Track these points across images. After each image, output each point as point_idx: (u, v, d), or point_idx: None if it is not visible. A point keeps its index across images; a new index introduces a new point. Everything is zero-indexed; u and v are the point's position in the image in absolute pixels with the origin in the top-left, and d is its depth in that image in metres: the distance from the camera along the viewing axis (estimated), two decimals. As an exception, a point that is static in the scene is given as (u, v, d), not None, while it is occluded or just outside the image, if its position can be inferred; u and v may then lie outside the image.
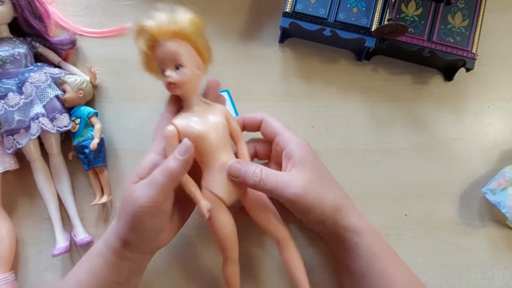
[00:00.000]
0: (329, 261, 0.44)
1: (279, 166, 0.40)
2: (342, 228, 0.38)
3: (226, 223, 0.37)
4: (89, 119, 0.45)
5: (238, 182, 0.37)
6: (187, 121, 0.36)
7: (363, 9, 0.45)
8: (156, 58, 0.37)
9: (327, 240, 0.42)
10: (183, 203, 0.39)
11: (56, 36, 0.49)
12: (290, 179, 0.36)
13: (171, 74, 0.36)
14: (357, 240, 0.37)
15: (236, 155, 0.39)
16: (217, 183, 0.37)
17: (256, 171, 0.36)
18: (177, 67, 0.36)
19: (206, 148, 0.36)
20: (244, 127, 0.42)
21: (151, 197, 0.33)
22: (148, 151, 0.37)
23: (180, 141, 0.35)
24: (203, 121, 0.37)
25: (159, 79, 0.38)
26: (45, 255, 0.46)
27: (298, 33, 0.49)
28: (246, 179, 0.36)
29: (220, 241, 0.37)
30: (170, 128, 0.36)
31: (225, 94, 0.48)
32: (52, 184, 0.45)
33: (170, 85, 0.36)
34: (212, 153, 0.37)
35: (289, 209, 0.38)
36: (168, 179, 0.34)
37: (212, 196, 0.36)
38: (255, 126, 0.41)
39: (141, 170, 0.36)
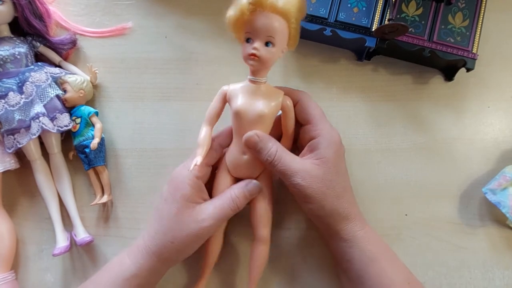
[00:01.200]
0: (329, 261, 0.44)
1: (298, 151, 0.40)
2: (337, 232, 0.38)
3: (222, 185, 0.40)
4: (89, 118, 0.45)
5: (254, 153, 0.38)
6: (238, 92, 0.38)
7: (364, 9, 0.45)
8: (249, 24, 0.35)
9: (325, 239, 0.42)
10: None
11: (57, 35, 0.49)
12: (301, 169, 0.36)
13: (260, 47, 0.35)
14: (351, 245, 0.37)
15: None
16: (232, 158, 0.39)
17: (271, 150, 0.37)
18: (267, 43, 0.35)
19: (239, 125, 0.38)
20: None
21: (218, 225, 0.38)
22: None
23: (225, 102, 0.39)
24: (251, 102, 0.37)
25: (238, 42, 0.38)
26: (45, 254, 0.46)
27: (298, 33, 0.49)
28: (260, 154, 0.37)
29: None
30: (224, 88, 0.39)
31: None
32: (53, 184, 0.45)
33: (253, 57, 0.35)
34: (242, 133, 0.38)
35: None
36: (234, 213, 0.38)
37: (225, 166, 0.40)
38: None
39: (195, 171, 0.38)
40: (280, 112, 0.40)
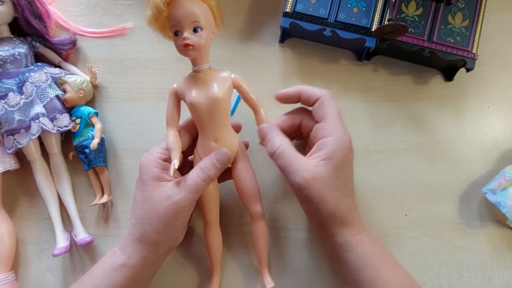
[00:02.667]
0: (328, 262, 0.44)
1: (309, 149, 0.39)
2: (332, 235, 0.37)
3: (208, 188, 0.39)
4: (89, 119, 0.45)
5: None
6: (187, 86, 0.37)
7: (364, 9, 0.45)
8: (172, 18, 0.35)
9: (320, 240, 0.41)
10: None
11: (57, 36, 0.49)
12: (302, 168, 0.35)
13: (190, 36, 0.35)
14: (345, 249, 0.36)
15: (258, 121, 0.40)
16: (204, 149, 0.39)
17: (275, 143, 0.37)
18: (195, 29, 0.35)
19: (198, 116, 0.38)
20: (300, 99, 0.40)
21: (191, 199, 0.36)
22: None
23: (179, 99, 0.39)
24: (202, 90, 0.37)
25: (166, 39, 0.38)
26: (45, 255, 0.46)
27: (298, 33, 0.49)
28: (267, 145, 0.38)
29: (200, 203, 0.40)
30: (173, 86, 0.39)
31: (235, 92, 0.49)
32: (53, 184, 0.45)
33: (187, 47, 0.35)
34: (204, 123, 0.38)
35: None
36: (207, 184, 0.37)
37: (198, 159, 0.39)
38: (310, 102, 0.40)
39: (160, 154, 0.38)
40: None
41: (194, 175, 0.37)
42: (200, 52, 0.36)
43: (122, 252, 0.37)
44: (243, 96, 0.39)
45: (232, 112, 0.48)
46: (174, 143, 0.38)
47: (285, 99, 0.41)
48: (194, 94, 0.37)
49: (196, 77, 0.37)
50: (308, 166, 0.36)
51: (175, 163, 0.36)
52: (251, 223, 0.41)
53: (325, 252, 0.42)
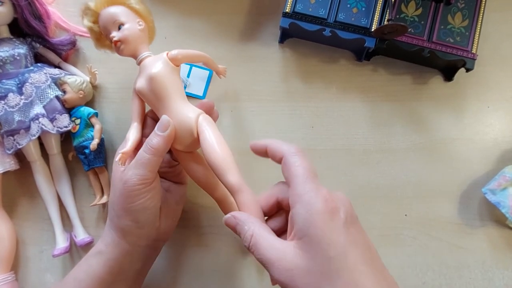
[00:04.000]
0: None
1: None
2: None
3: (194, 168, 0.38)
4: (89, 119, 0.45)
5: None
6: (136, 80, 0.39)
7: (363, 9, 0.45)
8: (102, 29, 0.40)
9: None
10: (176, 192, 0.41)
11: (56, 36, 0.49)
12: (280, 258, 0.27)
13: (115, 33, 0.38)
14: None
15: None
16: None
17: (247, 235, 0.30)
18: (119, 27, 0.39)
19: (147, 100, 0.39)
20: (267, 154, 0.34)
21: (140, 175, 0.35)
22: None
23: (138, 95, 0.39)
24: (143, 75, 0.38)
25: (112, 51, 0.41)
26: (45, 255, 0.46)
27: (298, 33, 0.49)
28: (241, 236, 0.31)
29: (198, 184, 0.39)
30: (132, 88, 0.40)
31: (205, 73, 0.49)
32: (52, 185, 0.45)
33: (116, 44, 0.38)
34: (153, 105, 0.38)
35: None
36: (154, 156, 0.35)
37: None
38: (276, 160, 0.33)
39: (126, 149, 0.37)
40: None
41: (140, 151, 0.36)
42: (129, 44, 0.39)
43: (101, 240, 0.38)
44: (191, 59, 0.42)
45: (204, 93, 0.48)
46: (130, 133, 0.38)
47: (256, 152, 0.35)
48: (138, 84, 0.38)
49: (140, 68, 0.39)
50: (285, 255, 0.27)
51: (126, 148, 0.36)
52: (234, 199, 0.34)
53: None
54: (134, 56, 0.40)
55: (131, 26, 0.39)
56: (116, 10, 0.39)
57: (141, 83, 0.38)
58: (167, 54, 0.38)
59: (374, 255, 0.28)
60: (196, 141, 0.36)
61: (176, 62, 0.38)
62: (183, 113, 0.36)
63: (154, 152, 0.35)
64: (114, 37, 0.38)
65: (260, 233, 0.29)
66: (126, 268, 0.38)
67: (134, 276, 0.38)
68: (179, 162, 0.40)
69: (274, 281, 0.28)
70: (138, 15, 0.40)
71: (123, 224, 0.36)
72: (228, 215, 0.32)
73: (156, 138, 0.35)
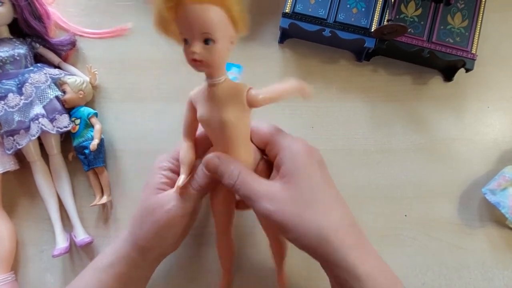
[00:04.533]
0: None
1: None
2: (334, 266, 0.30)
3: (219, 199, 0.36)
4: (89, 119, 0.45)
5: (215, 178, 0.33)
6: (199, 99, 0.33)
7: (363, 9, 0.45)
8: (178, 24, 0.28)
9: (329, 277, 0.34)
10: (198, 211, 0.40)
11: (56, 37, 0.49)
12: (267, 192, 0.31)
13: (199, 50, 0.28)
14: (354, 285, 0.29)
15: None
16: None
17: (233, 172, 0.32)
18: (207, 41, 0.28)
19: (209, 133, 0.34)
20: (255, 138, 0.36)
21: (184, 208, 0.35)
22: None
23: (194, 109, 0.34)
24: (212, 108, 0.31)
25: (177, 43, 0.31)
26: (45, 255, 0.46)
27: (297, 33, 0.49)
28: (222, 179, 0.33)
29: (213, 214, 0.38)
30: (190, 95, 0.34)
31: (235, 70, 0.44)
32: (52, 185, 0.45)
33: (195, 63, 0.29)
34: (214, 140, 0.34)
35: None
36: (199, 193, 0.35)
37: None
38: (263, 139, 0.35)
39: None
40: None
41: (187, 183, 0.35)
42: (211, 68, 0.30)
43: (112, 251, 0.37)
44: (276, 100, 0.32)
45: None
46: (185, 156, 0.34)
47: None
48: (202, 111, 0.32)
49: (208, 91, 0.32)
50: (273, 188, 0.31)
51: (182, 178, 0.33)
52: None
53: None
54: (207, 75, 0.31)
55: (222, 45, 0.29)
56: (213, 17, 0.27)
57: (206, 113, 0.32)
58: (247, 91, 0.31)
59: (341, 197, 0.33)
60: None
61: (254, 104, 0.31)
62: (245, 159, 0.34)
63: (201, 190, 0.35)
64: (195, 53, 0.28)
65: (246, 171, 0.32)
66: (135, 279, 0.38)
67: (141, 285, 0.39)
68: (211, 194, 0.38)
69: (258, 213, 0.32)
70: (234, 26, 0.30)
71: (149, 246, 0.36)
72: (211, 155, 0.33)
73: (204, 178, 0.35)
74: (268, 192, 0.31)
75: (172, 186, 0.35)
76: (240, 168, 0.32)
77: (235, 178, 0.32)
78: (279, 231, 0.33)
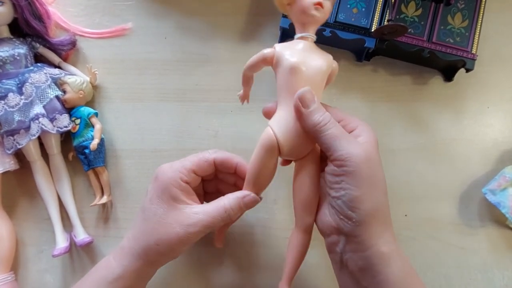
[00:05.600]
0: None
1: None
2: (373, 242, 0.30)
3: (266, 163, 0.34)
4: (89, 119, 0.45)
5: (300, 119, 0.33)
6: (288, 49, 0.35)
7: (363, 9, 0.45)
8: None
9: (338, 257, 0.33)
10: None
11: (56, 36, 0.49)
12: (357, 142, 0.32)
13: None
14: (387, 262, 0.30)
15: None
16: (283, 125, 0.34)
17: (327, 113, 0.33)
18: None
19: (292, 84, 0.34)
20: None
21: (204, 232, 0.34)
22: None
23: (265, 63, 0.36)
24: (307, 57, 0.34)
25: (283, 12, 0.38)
26: (45, 255, 0.46)
27: (298, 33, 0.49)
28: (313, 115, 0.32)
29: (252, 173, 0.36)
30: (267, 51, 0.35)
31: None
32: (52, 185, 0.45)
33: (318, 6, 0.34)
34: (295, 92, 0.33)
35: (328, 187, 0.33)
36: (226, 224, 0.36)
37: (270, 133, 0.34)
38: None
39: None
40: None
41: (216, 213, 0.34)
42: (324, 18, 0.35)
43: (117, 264, 0.35)
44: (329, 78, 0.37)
45: None
46: (247, 79, 0.38)
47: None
48: (298, 58, 0.34)
49: (301, 44, 0.35)
50: (360, 142, 0.32)
51: (242, 91, 0.38)
52: (295, 232, 0.36)
53: (341, 277, 0.34)
54: (305, 28, 0.36)
55: (331, 7, 0.36)
56: None
57: (302, 61, 0.34)
58: (333, 64, 0.36)
59: None
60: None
61: (331, 74, 0.36)
62: None
63: (228, 221, 0.35)
64: None
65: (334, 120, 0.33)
66: (139, 286, 0.37)
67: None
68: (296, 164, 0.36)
69: (341, 158, 0.30)
70: None
71: (161, 260, 0.36)
72: (306, 88, 0.33)
73: (238, 212, 0.35)
74: (359, 143, 0.32)
75: (189, 199, 0.35)
76: (328, 113, 0.33)
77: (327, 119, 0.32)
78: (344, 183, 0.31)
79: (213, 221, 0.34)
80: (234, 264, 0.45)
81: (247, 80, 0.38)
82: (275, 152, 0.34)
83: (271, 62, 0.35)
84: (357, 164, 0.30)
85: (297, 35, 0.36)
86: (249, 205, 0.35)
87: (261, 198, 0.36)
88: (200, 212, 0.34)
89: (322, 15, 0.35)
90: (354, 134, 0.34)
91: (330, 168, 0.32)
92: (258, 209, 0.46)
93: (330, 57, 0.36)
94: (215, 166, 0.38)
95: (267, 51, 0.35)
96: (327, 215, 0.33)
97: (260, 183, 0.35)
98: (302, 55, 0.34)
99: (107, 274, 0.35)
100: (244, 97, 0.40)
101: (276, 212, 0.46)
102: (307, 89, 0.33)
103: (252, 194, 0.35)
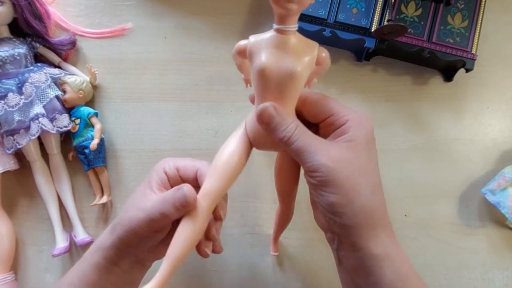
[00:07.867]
0: (330, 261, 0.44)
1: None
2: (363, 244, 0.29)
3: (231, 151, 0.33)
4: (89, 119, 0.45)
5: (266, 130, 0.31)
6: (262, 46, 0.30)
7: (363, 9, 0.45)
8: None
9: (338, 254, 0.32)
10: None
11: (56, 36, 0.49)
12: (326, 148, 0.29)
13: None
14: (382, 264, 0.29)
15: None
16: (253, 124, 0.32)
17: (291, 125, 0.30)
18: None
19: (263, 87, 0.31)
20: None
21: (164, 214, 0.31)
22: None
23: (247, 57, 0.32)
24: (279, 57, 0.30)
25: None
26: (45, 255, 0.46)
27: (298, 33, 0.49)
28: (276, 130, 0.30)
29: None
30: (242, 43, 0.32)
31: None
32: (52, 185, 0.45)
33: None
34: (266, 96, 0.31)
35: (311, 191, 0.32)
36: (163, 218, 0.32)
37: (244, 132, 0.33)
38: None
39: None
40: None
41: (158, 204, 0.32)
42: (302, 7, 0.29)
43: (100, 250, 0.35)
44: (311, 73, 0.32)
45: None
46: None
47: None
48: (267, 59, 0.30)
49: (277, 38, 0.30)
50: (332, 146, 0.30)
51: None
52: (278, 208, 0.39)
53: (342, 273, 0.33)
54: (282, 20, 0.29)
55: None
56: None
57: (272, 63, 0.29)
58: (317, 50, 0.31)
59: None
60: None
61: (322, 62, 0.32)
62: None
63: (165, 217, 0.31)
64: None
65: (303, 128, 0.31)
66: (115, 279, 0.36)
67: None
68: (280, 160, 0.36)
69: (310, 169, 0.29)
70: None
71: (126, 239, 0.33)
72: (267, 104, 0.30)
73: (172, 209, 0.31)
74: (326, 148, 0.29)
75: (159, 190, 0.34)
76: (298, 122, 0.31)
77: (293, 131, 0.30)
78: (324, 190, 0.29)
79: (155, 210, 0.31)
80: (234, 264, 0.45)
81: (240, 68, 0.36)
82: (246, 141, 0.33)
83: (245, 55, 0.32)
84: (328, 172, 0.28)
85: (275, 26, 0.30)
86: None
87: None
88: (153, 199, 0.33)
89: (296, 7, 0.28)
90: (342, 130, 0.31)
91: (306, 175, 0.31)
92: (258, 209, 0.46)
93: (315, 48, 0.31)
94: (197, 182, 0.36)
95: (242, 43, 0.32)
96: (319, 214, 0.33)
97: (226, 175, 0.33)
98: (274, 55, 0.30)
99: (88, 259, 0.36)
100: (246, 82, 0.38)
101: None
102: (266, 106, 0.30)
103: (184, 188, 0.31)
